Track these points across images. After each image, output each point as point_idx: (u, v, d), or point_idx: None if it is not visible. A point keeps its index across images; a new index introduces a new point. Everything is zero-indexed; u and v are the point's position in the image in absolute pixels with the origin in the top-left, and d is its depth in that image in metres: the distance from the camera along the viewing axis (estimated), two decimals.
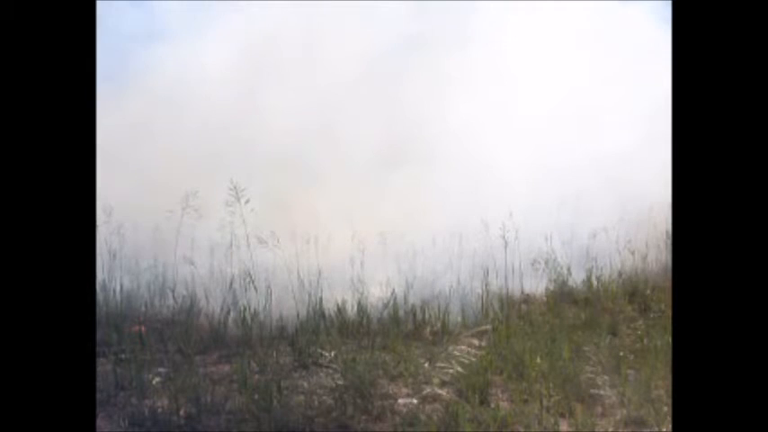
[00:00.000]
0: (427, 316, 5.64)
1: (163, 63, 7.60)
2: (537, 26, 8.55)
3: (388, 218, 6.49)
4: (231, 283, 5.34)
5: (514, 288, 6.53)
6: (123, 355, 4.47)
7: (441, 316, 5.56)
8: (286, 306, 5.46)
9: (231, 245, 5.58)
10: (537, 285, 6.74)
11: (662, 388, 3.90)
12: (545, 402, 3.81)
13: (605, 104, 8.35)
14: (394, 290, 5.87)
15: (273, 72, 7.48)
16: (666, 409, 3.60)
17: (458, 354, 4.66)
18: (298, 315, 5.33)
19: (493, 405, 3.89)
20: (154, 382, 4.13)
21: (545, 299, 6.42)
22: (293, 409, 3.77)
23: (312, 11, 7.65)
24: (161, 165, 6.60)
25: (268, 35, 7.61)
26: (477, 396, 3.94)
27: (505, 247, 6.28)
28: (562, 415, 3.78)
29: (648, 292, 6.28)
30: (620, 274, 6.96)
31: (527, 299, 6.47)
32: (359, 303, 5.67)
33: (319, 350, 4.77)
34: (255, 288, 4.76)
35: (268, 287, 5.35)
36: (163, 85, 7.41)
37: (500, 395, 4.12)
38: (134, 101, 7.33)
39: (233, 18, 7.86)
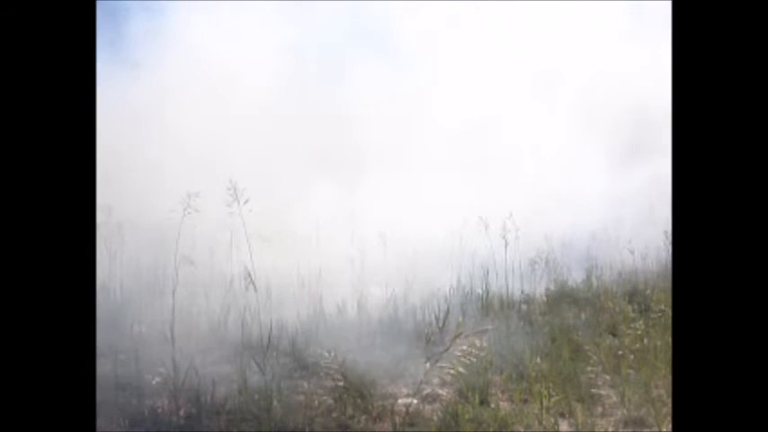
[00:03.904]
0: (427, 316, 5.64)
1: (163, 62, 7.61)
2: (536, 24, 8.57)
3: (387, 218, 6.50)
4: (231, 283, 5.33)
5: (514, 288, 6.53)
6: (123, 356, 4.47)
7: (441, 316, 5.57)
8: (286, 306, 5.46)
9: (231, 245, 5.58)
10: (537, 285, 6.75)
11: (662, 388, 3.90)
12: (545, 402, 3.81)
13: (605, 104, 8.37)
14: (394, 290, 5.87)
15: (272, 70, 7.48)
16: (666, 409, 3.60)
17: (458, 354, 4.65)
18: (298, 315, 5.32)
19: (493, 405, 3.89)
20: (154, 382, 4.12)
21: (545, 299, 6.42)
22: (293, 409, 3.77)
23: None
24: (161, 165, 6.60)
25: (265, 33, 7.61)
26: (477, 396, 3.94)
27: (505, 247, 6.28)
28: (562, 415, 3.78)
29: (648, 292, 6.28)
30: (619, 274, 6.97)
31: (527, 299, 6.47)
32: (359, 303, 5.68)
33: (319, 350, 4.77)
34: (255, 288, 4.75)
35: (268, 287, 5.34)
36: (163, 84, 7.42)
37: (500, 395, 4.13)
38: (134, 100, 7.33)
39: (231, 18, 7.87)
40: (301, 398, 3.98)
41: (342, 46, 8.05)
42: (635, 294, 6.28)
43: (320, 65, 7.85)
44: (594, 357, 4.51)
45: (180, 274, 5.29)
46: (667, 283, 6.04)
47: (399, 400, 3.98)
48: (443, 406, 3.88)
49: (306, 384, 4.22)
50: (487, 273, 6.49)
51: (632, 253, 7.25)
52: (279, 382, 4.02)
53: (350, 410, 3.82)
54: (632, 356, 4.48)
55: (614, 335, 5.12)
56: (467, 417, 3.61)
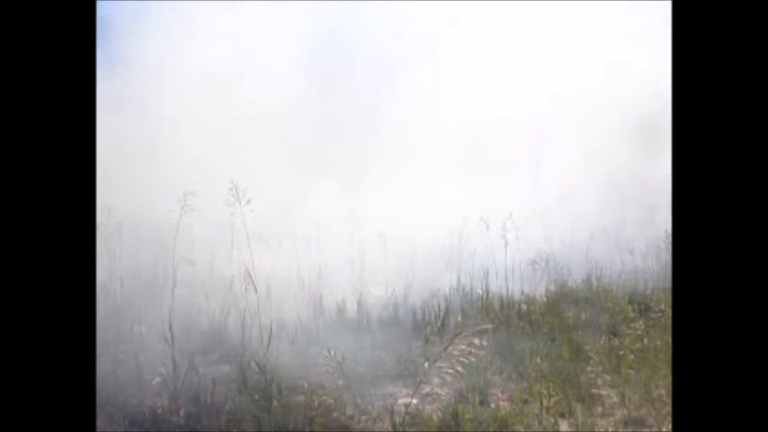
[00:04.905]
0: (427, 316, 5.64)
1: (164, 62, 7.61)
2: (536, 24, 8.57)
3: (387, 218, 6.50)
4: (231, 283, 5.33)
5: (514, 288, 6.53)
6: (123, 356, 4.47)
7: (441, 316, 5.56)
8: (286, 306, 5.46)
9: (231, 245, 5.58)
10: (537, 285, 6.76)
11: (662, 388, 3.90)
12: (545, 402, 3.81)
13: (604, 104, 8.38)
14: (394, 290, 5.88)
15: (272, 69, 7.48)
16: (666, 410, 3.60)
17: (458, 354, 4.65)
18: (298, 315, 5.33)
19: (493, 405, 3.89)
20: (154, 382, 4.12)
21: (545, 299, 6.42)
22: (293, 409, 3.77)
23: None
24: (161, 165, 6.60)
25: (265, 33, 7.62)
26: (477, 396, 3.94)
27: (505, 248, 6.28)
28: (562, 415, 3.78)
29: (648, 292, 6.28)
30: (619, 275, 6.98)
31: (527, 299, 6.47)
32: (358, 303, 5.68)
33: (319, 350, 4.77)
34: (255, 288, 4.76)
35: (268, 287, 5.35)
36: (163, 84, 7.42)
37: (500, 395, 4.12)
38: (134, 100, 7.33)
39: (232, 17, 7.87)
40: (301, 398, 3.98)
41: (341, 46, 8.05)
42: (635, 294, 6.28)
43: (320, 65, 7.86)
44: (594, 357, 4.51)
45: (180, 273, 5.30)
46: (667, 283, 6.05)
47: (399, 400, 3.98)
48: (443, 406, 3.88)
49: (306, 384, 4.21)
50: (487, 273, 6.49)
51: (632, 253, 7.26)
52: (279, 382, 4.02)
53: (350, 410, 3.82)
54: (632, 356, 4.48)
55: (614, 335, 5.12)
56: (467, 417, 3.61)
